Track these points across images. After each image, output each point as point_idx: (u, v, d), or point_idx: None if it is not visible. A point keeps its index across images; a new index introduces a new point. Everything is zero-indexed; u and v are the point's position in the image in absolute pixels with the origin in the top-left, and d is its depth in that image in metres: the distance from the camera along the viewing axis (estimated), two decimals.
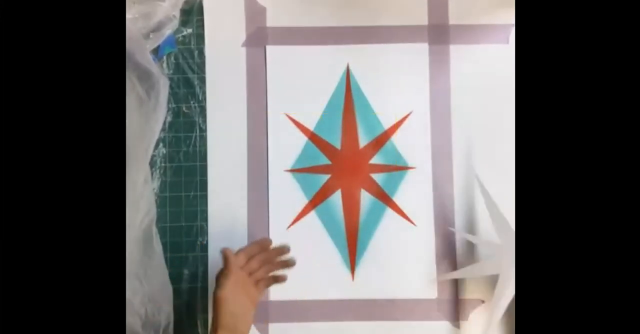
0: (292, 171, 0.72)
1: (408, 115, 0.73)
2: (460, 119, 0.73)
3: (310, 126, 0.72)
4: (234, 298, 0.58)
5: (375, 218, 0.71)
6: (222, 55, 0.73)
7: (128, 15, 0.65)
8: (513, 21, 0.72)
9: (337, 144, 0.72)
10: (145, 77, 0.68)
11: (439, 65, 0.73)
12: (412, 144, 0.72)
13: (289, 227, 0.71)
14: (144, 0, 0.66)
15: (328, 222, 0.71)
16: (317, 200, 0.71)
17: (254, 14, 0.73)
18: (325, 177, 0.72)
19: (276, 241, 0.66)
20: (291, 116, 0.72)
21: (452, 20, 0.73)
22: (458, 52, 0.73)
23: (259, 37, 0.73)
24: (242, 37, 0.73)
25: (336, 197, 0.72)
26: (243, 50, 0.73)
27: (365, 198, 0.72)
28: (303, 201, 0.71)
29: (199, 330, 0.70)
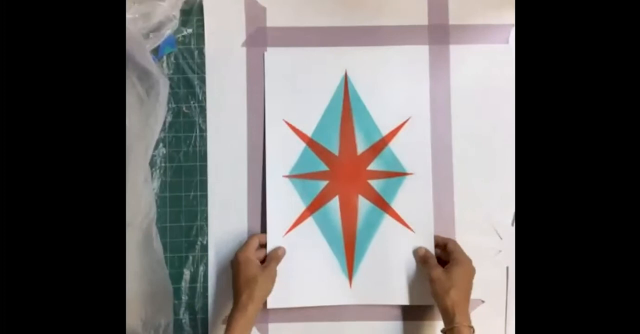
0: (290, 176, 0.71)
1: (406, 121, 0.72)
2: (460, 121, 0.72)
3: (308, 132, 0.72)
4: (246, 264, 0.65)
5: (373, 224, 0.71)
6: (222, 55, 0.73)
7: (128, 15, 0.65)
8: (513, 21, 0.72)
9: (335, 151, 0.72)
10: (145, 77, 0.68)
11: (438, 67, 0.73)
12: (410, 150, 0.71)
13: (286, 233, 0.70)
14: (144, 0, 0.66)
15: (325, 228, 0.71)
16: (314, 206, 0.71)
17: (254, 14, 0.73)
18: (323, 184, 0.71)
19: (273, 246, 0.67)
20: (289, 122, 0.72)
21: (452, 20, 0.73)
22: (458, 53, 0.73)
23: (259, 37, 0.73)
24: (242, 37, 0.73)
25: (334, 204, 0.71)
26: (243, 50, 0.73)
27: (363, 204, 0.71)
28: (301, 207, 0.71)
29: (199, 330, 0.70)
